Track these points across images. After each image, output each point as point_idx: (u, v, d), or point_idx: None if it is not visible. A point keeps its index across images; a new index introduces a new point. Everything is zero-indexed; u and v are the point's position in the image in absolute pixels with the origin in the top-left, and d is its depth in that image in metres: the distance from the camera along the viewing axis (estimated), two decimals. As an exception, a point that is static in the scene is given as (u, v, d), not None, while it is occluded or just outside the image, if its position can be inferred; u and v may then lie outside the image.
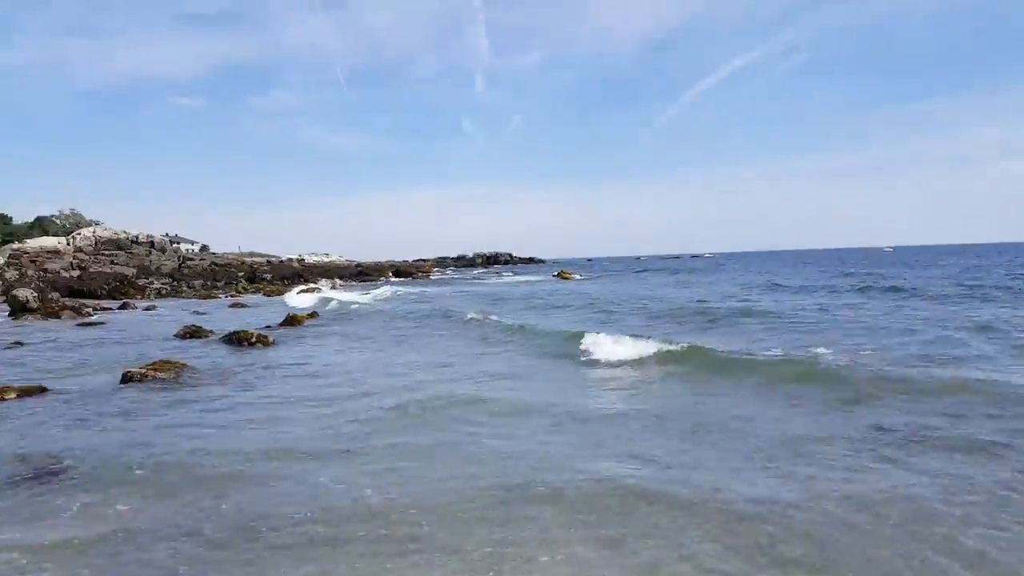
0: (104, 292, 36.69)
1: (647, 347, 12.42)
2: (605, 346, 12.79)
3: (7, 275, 36.74)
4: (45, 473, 6.00)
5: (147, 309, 28.26)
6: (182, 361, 12.12)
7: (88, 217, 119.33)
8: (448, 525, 4.71)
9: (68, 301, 29.89)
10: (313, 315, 22.17)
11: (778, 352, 12.09)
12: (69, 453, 6.62)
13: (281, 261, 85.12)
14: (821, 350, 12.00)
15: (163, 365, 11.46)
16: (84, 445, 6.97)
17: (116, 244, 59.65)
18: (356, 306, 27.19)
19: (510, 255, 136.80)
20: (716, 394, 9.14)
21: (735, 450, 6.44)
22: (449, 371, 11.73)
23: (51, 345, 16.24)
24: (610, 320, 20.05)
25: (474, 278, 63.81)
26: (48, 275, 40.64)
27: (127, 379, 10.81)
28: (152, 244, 62.97)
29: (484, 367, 12.00)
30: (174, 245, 74.33)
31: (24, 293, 24.66)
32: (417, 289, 42.25)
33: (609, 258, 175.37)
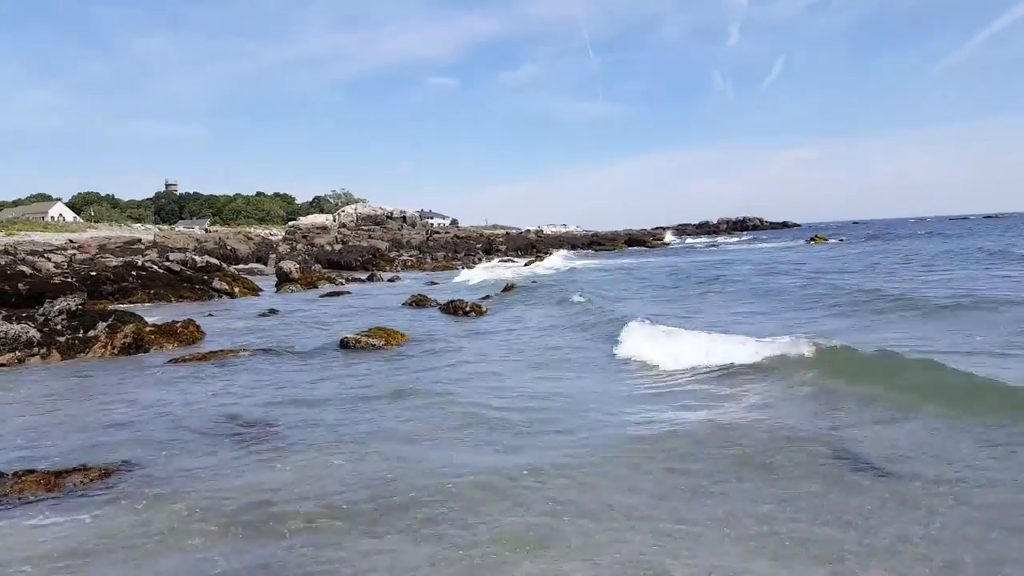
0: (358, 264, 40.35)
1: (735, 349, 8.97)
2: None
3: (280, 248, 41.55)
4: (251, 427, 6.52)
5: (390, 280, 30.54)
6: (396, 329, 12.78)
7: (356, 195, 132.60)
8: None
9: (328, 272, 33.27)
10: (527, 284, 22.55)
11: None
12: (269, 414, 7.15)
13: (519, 233, 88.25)
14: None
15: (377, 332, 12.15)
16: (286, 402, 7.50)
17: (373, 220, 65.34)
18: (573, 272, 27.31)
19: (760, 220, 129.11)
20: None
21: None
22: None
23: (299, 312, 18.03)
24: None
25: (707, 246, 61.46)
26: (314, 248, 45.56)
27: (344, 344, 11.60)
28: (404, 219, 68.07)
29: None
30: (423, 220, 79.79)
31: (288, 265, 27.73)
32: (634, 260, 41.49)
33: (881, 220, 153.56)
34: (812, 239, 57.04)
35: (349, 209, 66.85)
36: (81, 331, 11.60)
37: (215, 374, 9.47)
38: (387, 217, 67.18)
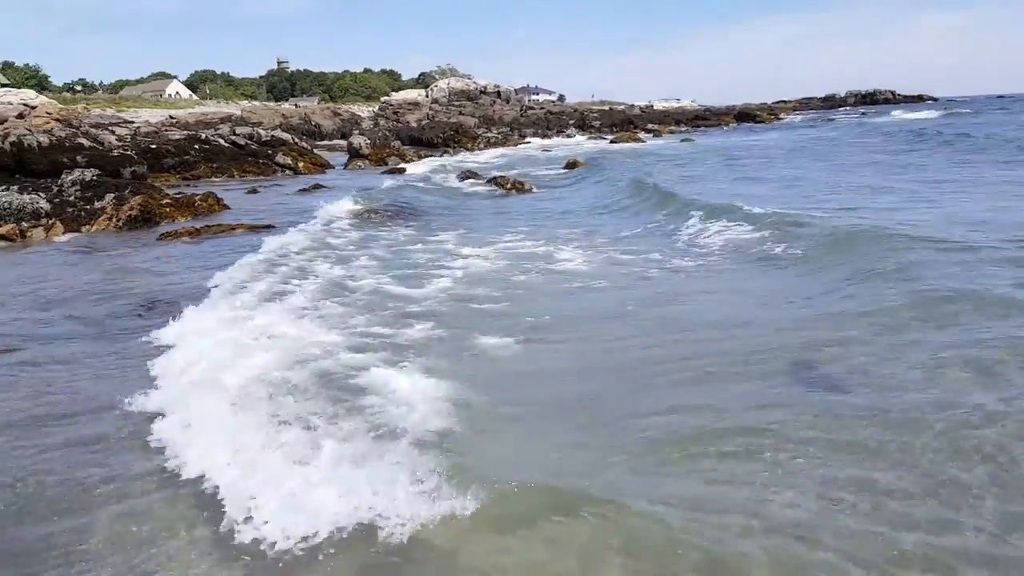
0: (440, 140, 39.65)
1: None
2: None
3: (364, 125, 41.38)
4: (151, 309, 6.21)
5: (460, 158, 29.80)
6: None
7: (462, 71, 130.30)
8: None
9: (407, 149, 32.86)
10: (575, 164, 21.37)
11: None
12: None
13: (623, 108, 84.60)
14: None
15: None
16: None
17: (466, 95, 63.94)
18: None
19: (892, 93, 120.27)
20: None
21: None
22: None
23: (341, 189, 17.73)
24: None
25: (823, 120, 56.63)
26: (399, 125, 45.12)
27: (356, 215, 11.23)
28: (498, 94, 66.30)
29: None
30: (520, 96, 77.74)
31: (358, 141, 27.43)
32: (684, 146, 38.60)
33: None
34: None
35: (442, 84, 65.45)
36: (94, 202, 11.65)
37: (177, 252, 9.24)
38: (480, 92, 65.52)
